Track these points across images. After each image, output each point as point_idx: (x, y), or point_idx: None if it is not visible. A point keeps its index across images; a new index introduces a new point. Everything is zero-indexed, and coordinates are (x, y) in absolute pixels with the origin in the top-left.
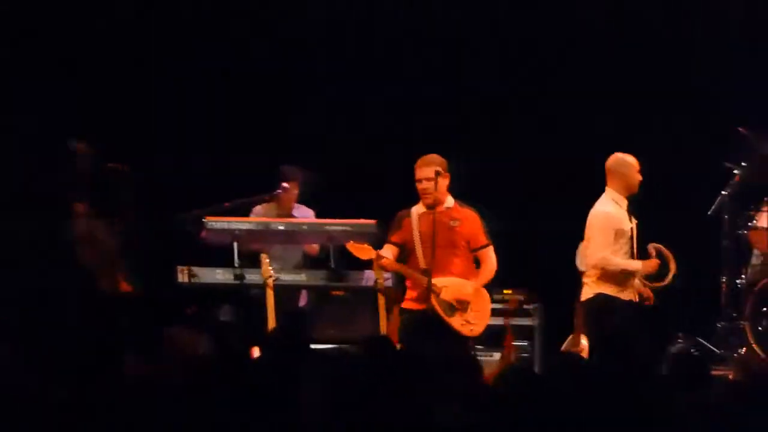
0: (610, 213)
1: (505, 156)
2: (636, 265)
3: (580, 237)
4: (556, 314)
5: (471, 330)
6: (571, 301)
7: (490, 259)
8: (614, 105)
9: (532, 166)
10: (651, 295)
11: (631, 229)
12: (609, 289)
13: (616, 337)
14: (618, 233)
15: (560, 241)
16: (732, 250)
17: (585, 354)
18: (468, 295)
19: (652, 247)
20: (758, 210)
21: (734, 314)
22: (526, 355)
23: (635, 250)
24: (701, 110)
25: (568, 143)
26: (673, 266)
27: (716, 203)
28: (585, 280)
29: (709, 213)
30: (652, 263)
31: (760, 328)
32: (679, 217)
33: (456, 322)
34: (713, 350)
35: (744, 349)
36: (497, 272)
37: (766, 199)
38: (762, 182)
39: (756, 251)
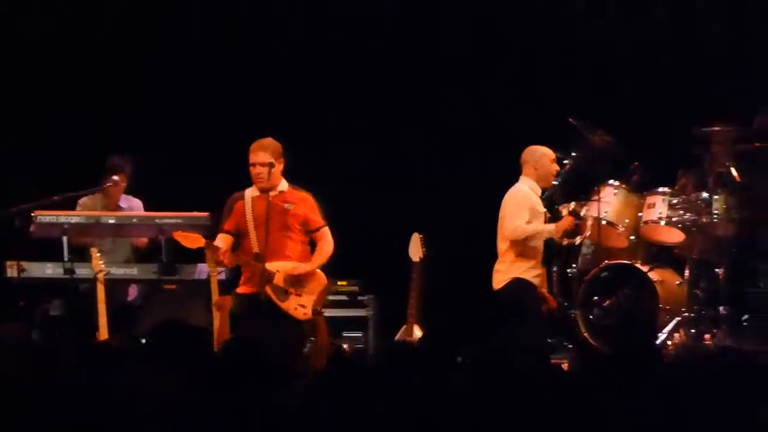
0: (526, 191)
1: (340, 142)
2: (550, 227)
3: (411, 229)
4: (390, 305)
5: (305, 314)
6: (403, 291)
7: (325, 239)
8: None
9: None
10: (552, 300)
11: (545, 213)
12: (524, 273)
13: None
14: (533, 212)
15: (393, 233)
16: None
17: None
18: (302, 278)
19: (564, 207)
20: (588, 199)
21: (565, 303)
22: (360, 345)
23: None
24: (532, 100)
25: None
26: (587, 221)
27: (548, 192)
28: (498, 267)
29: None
30: (567, 221)
31: (591, 317)
32: None
33: (290, 306)
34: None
35: (575, 338)
36: (332, 263)
37: (596, 188)
38: (592, 172)
39: (586, 240)
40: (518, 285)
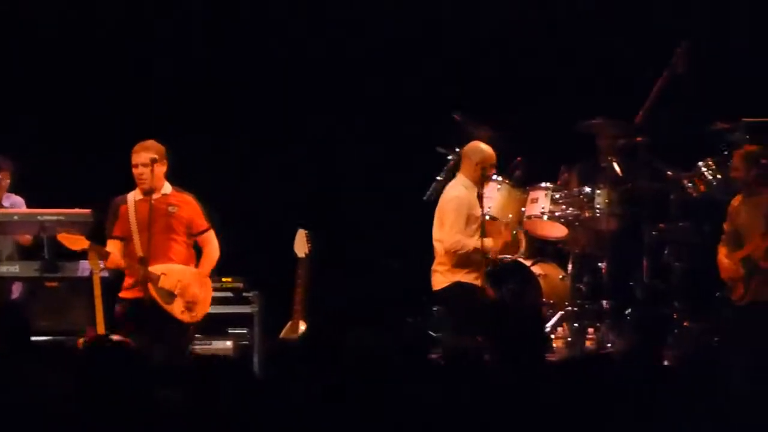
0: (461, 197)
1: (226, 136)
2: (488, 243)
3: (296, 225)
4: (275, 302)
5: (192, 316)
6: (289, 288)
7: (211, 243)
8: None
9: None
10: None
11: (481, 214)
12: (465, 277)
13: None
14: (470, 218)
15: (278, 229)
16: None
17: None
18: (187, 281)
19: (498, 224)
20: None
21: None
22: (245, 343)
23: None
24: (417, 96)
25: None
26: (522, 239)
27: (431, 188)
28: (437, 268)
29: (424, 198)
30: (500, 239)
31: None
32: (395, 201)
33: (175, 309)
34: (431, 334)
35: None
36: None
37: None
38: None
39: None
40: (459, 290)
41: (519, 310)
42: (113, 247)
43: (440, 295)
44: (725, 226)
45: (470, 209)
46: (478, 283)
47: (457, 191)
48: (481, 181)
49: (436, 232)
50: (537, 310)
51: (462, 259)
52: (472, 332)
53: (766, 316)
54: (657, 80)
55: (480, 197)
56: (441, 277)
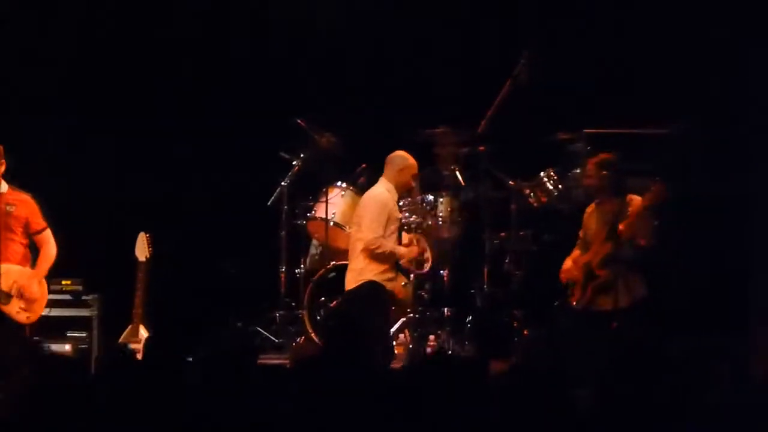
0: (384, 197)
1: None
2: (403, 250)
3: (137, 228)
4: (114, 304)
5: (27, 317)
6: (130, 291)
7: (48, 242)
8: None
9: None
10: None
11: (399, 219)
12: (378, 277)
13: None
14: (390, 218)
15: (119, 232)
16: (290, 240)
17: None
18: (24, 282)
19: (411, 237)
20: (316, 201)
21: (293, 303)
22: (84, 346)
23: None
24: (260, 101)
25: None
26: (428, 255)
27: (275, 194)
28: (352, 266)
29: (268, 204)
30: (414, 250)
31: (318, 317)
32: (239, 208)
33: (11, 309)
34: (272, 339)
35: (302, 338)
36: (56, 260)
37: (323, 189)
38: (319, 173)
39: (315, 241)
40: (370, 288)
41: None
42: None
43: (351, 293)
44: (580, 232)
45: (391, 210)
46: (389, 285)
47: (379, 191)
48: (404, 188)
49: (356, 233)
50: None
51: (378, 259)
52: (373, 333)
53: (599, 324)
54: (499, 89)
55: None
56: (354, 276)
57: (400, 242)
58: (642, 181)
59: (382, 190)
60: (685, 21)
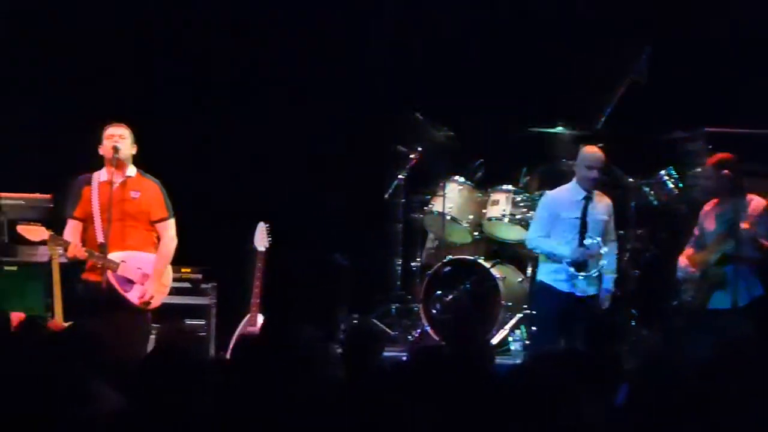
0: (546, 197)
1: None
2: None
3: (257, 218)
4: (232, 294)
5: (149, 304)
6: (244, 280)
7: (165, 234)
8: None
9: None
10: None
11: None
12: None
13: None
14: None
15: (238, 221)
16: (406, 233)
17: None
18: (147, 269)
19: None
20: (433, 195)
21: (409, 297)
22: (203, 334)
23: None
24: (378, 95)
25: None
26: None
27: (392, 187)
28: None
29: (385, 196)
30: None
31: (433, 311)
32: (357, 199)
33: (133, 296)
34: (387, 331)
35: (419, 332)
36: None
37: (441, 183)
38: (436, 167)
39: (430, 235)
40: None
41: (472, 311)
42: (73, 230)
43: None
44: (695, 230)
45: (556, 208)
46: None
47: (549, 191)
48: (584, 182)
49: None
50: (490, 312)
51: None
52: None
53: (716, 322)
54: (617, 86)
55: None
56: None
57: (576, 239)
58: (761, 181)
59: (556, 190)
60: None
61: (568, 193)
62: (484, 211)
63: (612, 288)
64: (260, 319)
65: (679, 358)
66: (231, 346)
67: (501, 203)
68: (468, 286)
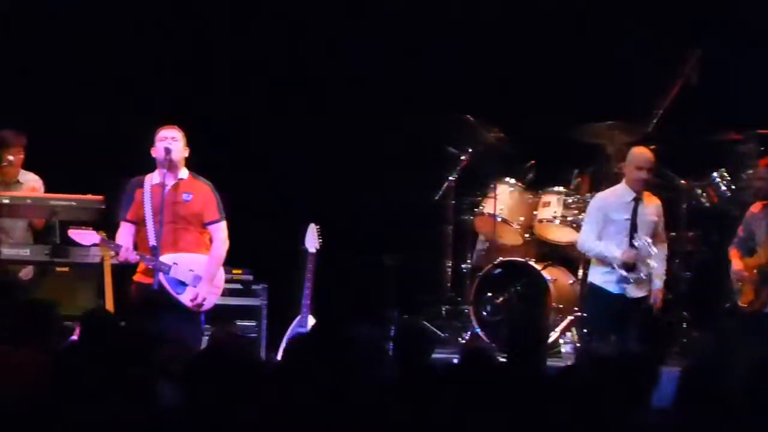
0: (594, 200)
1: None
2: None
3: (307, 219)
4: (283, 295)
5: (201, 306)
6: (294, 281)
7: (217, 237)
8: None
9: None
10: None
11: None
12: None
13: None
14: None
15: (288, 223)
16: (457, 235)
17: None
18: (199, 271)
19: None
20: (484, 196)
21: (459, 299)
22: (254, 335)
23: None
24: (428, 96)
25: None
26: None
27: (442, 189)
28: None
29: (435, 198)
30: None
31: (484, 313)
32: (406, 201)
33: (185, 298)
34: (438, 333)
35: (469, 335)
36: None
37: (491, 185)
38: (487, 169)
39: (481, 237)
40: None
41: (524, 313)
42: (125, 233)
43: None
44: (740, 230)
45: (606, 210)
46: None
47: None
48: (633, 184)
49: None
50: (542, 314)
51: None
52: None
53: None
54: (669, 89)
55: None
56: None
57: (626, 240)
58: None
59: (606, 191)
60: None
61: (617, 194)
62: (534, 212)
63: (662, 289)
64: (311, 320)
65: (731, 360)
66: (282, 347)
67: (552, 205)
68: (519, 288)
